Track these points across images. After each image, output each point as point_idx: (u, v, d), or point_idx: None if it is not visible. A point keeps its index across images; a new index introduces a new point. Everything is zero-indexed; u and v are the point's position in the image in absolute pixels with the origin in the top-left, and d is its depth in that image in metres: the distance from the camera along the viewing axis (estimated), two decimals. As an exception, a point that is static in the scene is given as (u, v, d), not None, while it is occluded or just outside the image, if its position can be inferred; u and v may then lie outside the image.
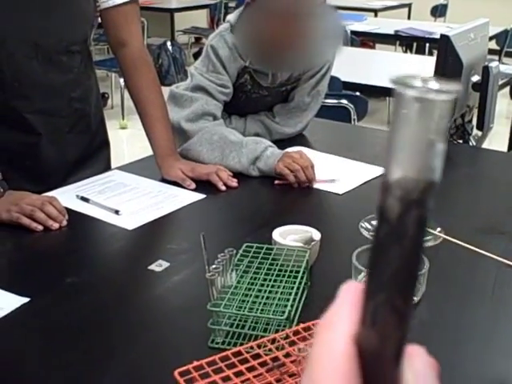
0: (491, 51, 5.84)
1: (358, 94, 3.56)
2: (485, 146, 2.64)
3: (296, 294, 1.00)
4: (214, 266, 0.95)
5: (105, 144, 1.70)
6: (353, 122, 3.00)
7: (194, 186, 1.51)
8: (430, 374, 0.25)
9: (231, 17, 1.72)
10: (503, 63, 5.52)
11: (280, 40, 1.58)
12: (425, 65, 3.49)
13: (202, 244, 0.95)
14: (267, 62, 1.70)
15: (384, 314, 0.23)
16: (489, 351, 0.97)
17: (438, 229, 1.29)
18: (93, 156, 1.63)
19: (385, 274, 0.22)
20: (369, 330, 0.24)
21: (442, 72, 2.06)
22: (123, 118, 4.76)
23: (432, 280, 1.11)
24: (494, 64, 2.19)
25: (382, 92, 3.95)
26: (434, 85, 0.21)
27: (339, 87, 3.37)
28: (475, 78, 2.21)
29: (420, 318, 1.05)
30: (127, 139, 4.35)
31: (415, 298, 1.07)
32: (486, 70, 2.15)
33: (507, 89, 5.04)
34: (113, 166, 1.72)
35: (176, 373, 0.79)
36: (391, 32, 5.30)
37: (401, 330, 0.23)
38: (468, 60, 2.16)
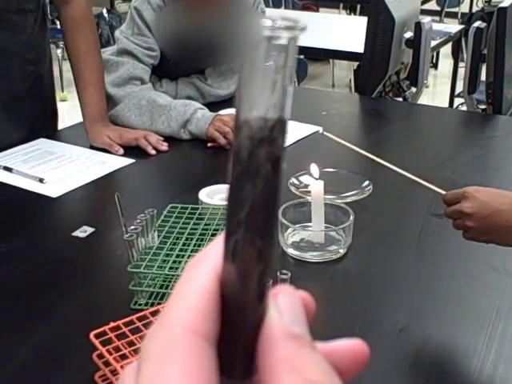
0: (432, 12, 5.90)
1: (299, 56, 3.54)
2: (428, 104, 2.68)
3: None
4: (132, 227, 0.94)
5: (55, 113, 1.66)
6: (293, 85, 2.99)
7: (122, 151, 1.48)
8: (298, 311, 0.24)
9: None
10: (444, 23, 5.59)
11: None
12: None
13: (117, 205, 0.93)
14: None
15: (242, 250, 0.23)
16: (412, 297, 0.98)
17: (366, 182, 1.30)
18: (43, 124, 1.59)
19: (241, 213, 0.22)
20: (229, 266, 0.23)
21: (374, 29, 2.06)
22: (62, 90, 4.64)
23: (359, 232, 1.12)
24: (426, 20, 2.20)
25: (325, 54, 3.95)
26: (277, 23, 0.21)
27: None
28: (408, 35, 2.22)
29: (345, 270, 1.06)
30: (67, 112, 4.23)
31: (334, 255, 1.07)
32: (418, 27, 2.16)
33: (450, 49, 5.09)
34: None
35: (92, 335, 0.78)
36: (333, -6, 5.28)
37: (260, 267, 0.23)
38: (400, 17, 2.16)
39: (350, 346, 0.25)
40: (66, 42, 1.53)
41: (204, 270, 0.24)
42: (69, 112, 4.68)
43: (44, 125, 1.59)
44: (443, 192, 1.01)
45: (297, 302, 0.24)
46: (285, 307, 0.24)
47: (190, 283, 0.24)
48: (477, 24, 2.12)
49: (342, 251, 1.08)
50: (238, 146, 0.22)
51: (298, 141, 1.60)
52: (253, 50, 0.21)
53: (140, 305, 0.93)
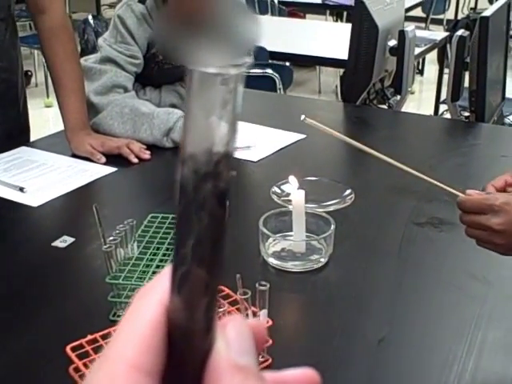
0: (417, 18, 5.92)
1: (284, 63, 3.55)
2: (413, 111, 2.68)
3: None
4: (111, 238, 0.93)
5: (27, 128, 1.64)
6: (278, 92, 2.99)
7: (104, 160, 1.48)
8: (246, 341, 0.24)
9: None
10: (429, 30, 5.62)
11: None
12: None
13: (95, 216, 0.92)
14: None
15: (188, 282, 0.23)
16: (392, 307, 0.98)
17: (349, 190, 1.30)
18: (19, 133, 1.57)
19: (187, 246, 0.23)
20: (176, 298, 0.23)
21: (357, 37, 2.06)
22: (48, 96, 4.61)
23: (340, 241, 1.12)
24: (409, 28, 2.21)
25: (311, 61, 3.96)
26: (222, 60, 0.22)
27: (265, 57, 3.35)
28: (392, 43, 2.23)
29: (326, 279, 1.06)
30: (52, 118, 4.23)
31: (316, 264, 1.07)
32: (402, 34, 2.17)
33: (436, 55, 5.13)
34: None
35: (68, 348, 0.77)
36: (319, 1, 5.29)
37: (206, 299, 0.23)
38: (384, 25, 2.17)
39: (301, 375, 0.25)
40: (43, 51, 1.52)
41: (150, 302, 0.24)
42: (54, 118, 4.67)
43: (20, 133, 1.57)
44: (459, 194, 0.95)
45: (245, 332, 0.24)
46: (233, 338, 0.24)
47: (135, 316, 0.24)
48: (460, 32, 2.13)
49: (323, 260, 1.08)
50: (184, 179, 0.22)
51: (282, 149, 1.60)
52: (199, 85, 0.21)
53: (119, 316, 0.93)
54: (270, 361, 0.79)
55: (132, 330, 0.23)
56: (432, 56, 5.41)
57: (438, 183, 1.00)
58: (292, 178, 1.11)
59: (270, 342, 0.78)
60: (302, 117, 1.04)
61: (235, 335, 0.24)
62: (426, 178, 1.02)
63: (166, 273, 0.24)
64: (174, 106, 1.74)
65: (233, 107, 0.22)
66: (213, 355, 0.23)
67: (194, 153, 0.22)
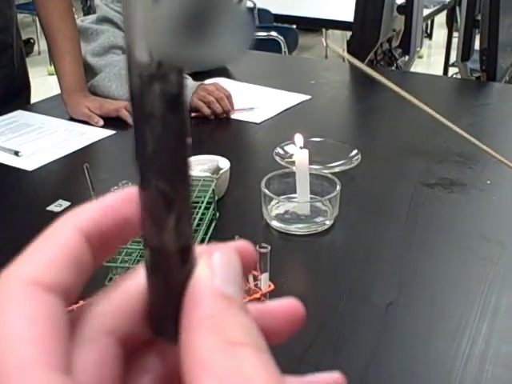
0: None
1: (289, 26, 3.47)
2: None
3: (198, 225, 0.95)
4: (105, 200, 0.89)
5: (26, 85, 1.60)
6: (283, 55, 2.92)
7: (101, 122, 1.43)
8: (234, 270, 0.22)
9: None
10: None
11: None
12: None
13: (87, 177, 0.88)
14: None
15: (150, 198, 0.21)
16: (401, 270, 0.94)
17: (355, 151, 1.25)
18: (13, 96, 1.53)
19: (143, 158, 0.21)
20: (144, 216, 0.22)
21: (364, -6, 1.99)
22: (51, 64, 4.53)
23: (346, 203, 1.07)
24: (418, -15, 2.14)
25: (317, 23, 3.87)
26: None
27: (270, 20, 3.28)
28: (400, 1, 2.15)
29: (332, 242, 1.02)
30: (56, 85, 4.17)
31: (321, 227, 1.03)
32: (410, -8, 2.10)
33: (444, 19, 5.01)
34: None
35: (60, 314, 0.73)
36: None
37: (173, 217, 0.21)
38: (392, -18, 2.10)
39: (285, 306, 0.24)
40: (37, 11, 1.46)
41: (63, 226, 0.22)
42: (57, 86, 4.61)
43: (16, 96, 1.53)
44: None
45: (234, 260, 0.23)
46: (218, 265, 0.22)
47: (41, 240, 0.22)
48: (471, -11, 2.05)
49: (328, 223, 1.04)
50: (131, 85, 0.20)
51: (285, 110, 1.55)
52: None
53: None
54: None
55: (34, 251, 0.22)
56: (440, 20, 5.30)
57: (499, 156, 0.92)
58: (298, 136, 1.06)
59: (272, 287, 0.76)
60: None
61: (222, 263, 0.22)
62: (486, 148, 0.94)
63: (90, 203, 0.23)
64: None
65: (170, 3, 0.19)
66: (193, 281, 0.22)
67: (135, 55, 0.20)
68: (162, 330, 0.23)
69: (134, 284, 0.23)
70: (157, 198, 0.21)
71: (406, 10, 2.07)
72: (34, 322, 0.20)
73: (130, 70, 0.20)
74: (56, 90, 1.53)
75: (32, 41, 4.94)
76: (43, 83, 4.15)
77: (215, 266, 0.22)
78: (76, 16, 1.57)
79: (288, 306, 0.24)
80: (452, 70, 3.88)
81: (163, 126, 0.20)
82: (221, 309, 0.21)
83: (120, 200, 0.23)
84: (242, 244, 0.24)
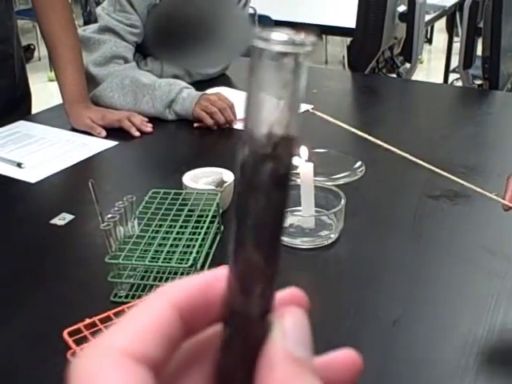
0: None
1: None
2: (422, 80, 2.60)
3: (203, 239, 0.95)
4: (109, 216, 0.88)
5: (27, 94, 1.60)
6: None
7: (104, 133, 1.42)
8: (304, 333, 0.24)
9: None
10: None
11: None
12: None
13: (92, 192, 0.87)
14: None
15: (244, 266, 0.23)
16: (407, 285, 0.93)
17: (359, 163, 1.24)
18: (15, 106, 1.53)
19: (243, 228, 0.22)
20: (233, 281, 0.23)
21: (366, 2, 1.99)
22: (51, 70, 4.54)
23: (351, 216, 1.07)
24: (420, -7, 2.14)
25: (317, 30, 3.86)
26: (286, 37, 0.21)
27: (270, 26, 3.27)
28: (401, 8, 2.15)
29: (337, 256, 1.01)
30: (57, 92, 4.17)
31: (326, 240, 1.02)
32: (412, 0, 2.10)
33: (445, 24, 5.01)
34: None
35: (65, 333, 0.73)
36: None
37: (262, 284, 0.23)
38: (393, -10, 2.09)
39: (344, 358, 0.25)
40: (38, 21, 1.46)
41: (157, 300, 0.23)
42: (58, 93, 4.61)
43: (17, 106, 1.53)
44: (500, 199, 0.89)
45: (304, 323, 0.24)
46: (290, 328, 0.23)
47: (135, 312, 0.23)
48: (473, -4, 2.05)
49: (333, 236, 1.03)
50: (243, 160, 0.22)
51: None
52: (259, 64, 0.21)
53: (120, 297, 0.88)
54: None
55: (127, 323, 0.22)
56: (440, 25, 5.30)
57: (478, 188, 0.93)
58: (303, 149, 1.05)
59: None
60: (310, 107, 0.98)
61: (293, 325, 0.24)
62: (459, 180, 0.95)
63: (183, 279, 0.24)
64: (176, 77, 1.68)
65: (294, 88, 0.21)
66: (268, 343, 0.23)
67: (253, 133, 0.21)
68: None
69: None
70: (249, 267, 0.23)
71: (408, 18, 2.07)
72: None
73: (245, 144, 0.22)
74: (57, 97, 1.53)
75: (32, 47, 4.94)
76: (44, 89, 4.14)
77: (287, 329, 0.23)
78: (76, 22, 1.56)
79: (347, 356, 0.25)
80: (452, 76, 3.88)
81: (267, 201, 0.22)
82: (293, 373, 0.22)
83: (213, 279, 0.24)
84: (293, 291, 0.25)
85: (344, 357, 0.25)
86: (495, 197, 0.92)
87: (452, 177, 0.91)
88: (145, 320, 0.22)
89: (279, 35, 0.21)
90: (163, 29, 1.60)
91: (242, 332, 0.23)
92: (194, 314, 0.24)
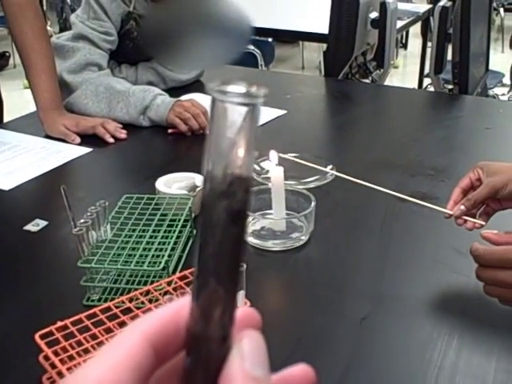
0: (400, -9, 5.85)
1: (266, 39, 3.49)
2: (397, 85, 2.64)
3: (176, 243, 0.96)
4: (82, 221, 0.90)
5: (0, 102, 1.60)
6: (260, 68, 2.94)
7: (78, 140, 1.43)
8: (261, 354, 0.26)
9: None
10: (412, 2, 5.56)
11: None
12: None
13: (64, 198, 0.89)
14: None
15: (203, 294, 0.25)
16: (375, 285, 0.96)
17: (330, 166, 1.27)
18: None
19: (203, 258, 0.25)
20: (194, 306, 0.25)
21: (338, 9, 2.02)
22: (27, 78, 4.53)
23: (322, 218, 1.09)
24: (390, 0, 2.17)
25: (293, 36, 3.89)
26: (242, 90, 0.24)
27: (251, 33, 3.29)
28: (373, 15, 2.19)
29: (307, 258, 1.03)
30: (32, 99, 4.16)
31: (296, 242, 1.04)
32: (383, 6, 2.13)
33: (419, 29, 5.08)
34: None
35: (37, 336, 0.74)
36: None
37: (220, 309, 0.25)
38: (365, -4, 2.13)
39: (299, 373, 0.27)
40: (11, 29, 1.46)
41: (130, 334, 0.25)
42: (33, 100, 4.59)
43: None
44: (447, 211, 0.94)
45: (261, 344, 0.26)
46: (248, 350, 0.25)
47: (110, 346, 0.25)
48: (442, 3, 2.09)
49: (304, 238, 1.05)
50: (204, 196, 0.24)
51: (262, 125, 1.56)
52: (218, 112, 0.24)
53: (93, 301, 0.89)
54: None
55: (104, 356, 0.24)
56: (416, 29, 5.37)
57: (427, 204, 0.99)
58: (272, 153, 1.07)
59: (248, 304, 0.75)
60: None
61: (250, 347, 0.25)
62: (413, 199, 1.00)
63: (154, 311, 0.26)
64: (150, 83, 1.70)
65: (248, 134, 0.24)
66: (228, 364, 0.25)
67: (211, 172, 0.24)
68: None
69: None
70: (209, 293, 0.25)
71: (380, 24, 2.10)
72: None
73: (206, 183, 0.24)
74: (32, 104, 1.53)
75: (7, 54, 4.92)
76: (19, 96, 4.12)
77: (245, 351, 0.25)
78: (52, 29, 1.57)
79: (302, 372, 0.27)
80: (427, 81, 3.94)
81: (223, 235, 0.24)
82: None
83: (181, 307, 0.26)
84: (247, 310, 0.27)
85: (299, 373, 0.27)
86: (436, 207, 0.97)
87: (409, 198, 0.96)
88: (118, 352, 0.24)
89: (236, 88, 0.24)
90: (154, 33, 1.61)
91: (203, 355, 0.25)
92: (166, 342, 0.25)
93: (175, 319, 0.26)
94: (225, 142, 0.24)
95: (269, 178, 1.15)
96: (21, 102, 4.03)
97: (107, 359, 0.24)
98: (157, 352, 0.25)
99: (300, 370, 0.27)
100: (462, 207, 0.94)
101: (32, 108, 1.63)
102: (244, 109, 0.24)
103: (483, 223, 0.94)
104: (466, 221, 0.95)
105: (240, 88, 0.24)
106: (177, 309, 0.26)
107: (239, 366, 0.24)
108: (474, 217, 0.96)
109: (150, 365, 0.25)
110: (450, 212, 0.95)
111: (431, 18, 3.99)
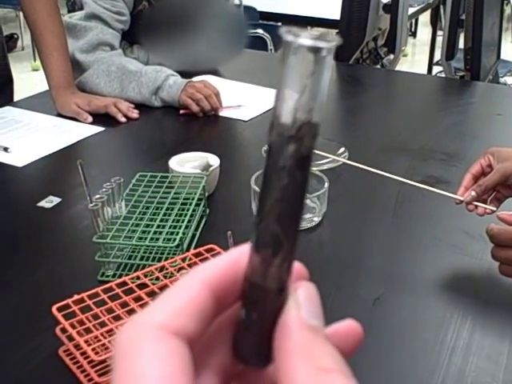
0: (410, -22, 5.81)
1: (275, 23, 3.47)
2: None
3: (189, 221, 0.96)
4: (97, 197, 0.90)
5: (8, 79, 1.60)
6: (270, 52, 2.93)
7: (90, 119, 1.43)
8: (316, 305, 0.26)
9: None
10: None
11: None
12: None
13: (80, 173, 0.89)
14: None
15: (263, 239, 0.25)
16: (388, 266, 0.96)
17: (342, 149, 1.27)
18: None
19: (266, 204, 0.24)
20: (254, 255, 0.25)
21: (351, -7, 2.01)
22: (35, 60, 4.52)
23: (335, 200, 1.09)
24: (403, -16, 2.16)
25: (302, 22, 3.88)
26: (315, 33, 0.23)
27: (255, 17, 3.28)
28: (385, 0, 2.18)
29: (320, 239, 1.04)
30: (41, 81, 4.15)
31: (309, 223, 1.05)
32: (396, -9, 2.12)
33: (429, 17, 5.05)
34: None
35: (54, 308, 0.74)
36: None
37: (280, 258, 0.25)
38: (377, -19, 2.12)
39: (347, 327, 0.27)
40: (23, 7, 1.46)
41: (190, 281, 0.25)
42: (42, 82, 4.59)
43: None
44: (458, 197, 0.94)
45: (315, 296, 0.26)
46: (304, 300, 0.25)
47: (171, 292, 0.25)
48: (455, -12, 2.08)
49: (316, 219, 1.05)
50: (271, 142, 0.24)
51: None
52: (289, 55, 0.23)
53: (107, 276, 0.90)
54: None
55: (163, 301, 0.24)
56: (424, 18, 5.34)
57: (438, 190, 0.98)
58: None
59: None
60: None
61: (306, 298, 0.25)
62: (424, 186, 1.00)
63: (216, 258, 0.26)
64: (162, 64, 1.69)
65: (318, 78, 0.23)
66: (284, 314, 0.25)
67: (279, 117, 0.23)
68: (250, 357, 0.26)
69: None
70: (269, 239, 0.24)
71: (392, 9, 2.09)
72: (165, 361, 0.22)
73: (273, 128, 0.24)
74: (40, 86, 1.53)
75: (16, 36, 4.91)
76: (27, 78, 4.12)
77: (301, 301, 0.25)
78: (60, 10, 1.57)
79: (350, 326, 0.27)
80: (436, 69, 3.92)
81: (289, 179, 0.24)
82: (309, 339, 0.24)
83: (240, 255, 0.26)
84: (297, 266, 0.27)
85: (348, 327, 0.27)
86: (447, 193, 0.96)
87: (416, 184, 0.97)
88: (181, 298, 0.24)
89: (309, 33, 0.23)
90: (155, 27, 1.61)
91: (260, 304, 0.25)
92: (225, 290, 0.25)
93: (235, 268, 0.26)
94: (296, 86, 0.23)
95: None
96: (29, 84, 4.04)
97: (170, 305, 0.24)
98: (216, 300, 0.25)
99: (347, 325, 0.27)
100: (473, 193, 0.94)
101: (40, 90, 1.64)
102: (317, 52, 0.23)
103: (494, 209, 0.94)
104: (476, 206, 0.95)
105: (313, 33, 0.23)
106: (236, 257, 0.26)
107: (296, 315, 0.24)
108: (485, 203, 0.96)
109: (210, 312, 0.25)
110: (461, 198, 0.95)
111: (441, 7, 3.96)
